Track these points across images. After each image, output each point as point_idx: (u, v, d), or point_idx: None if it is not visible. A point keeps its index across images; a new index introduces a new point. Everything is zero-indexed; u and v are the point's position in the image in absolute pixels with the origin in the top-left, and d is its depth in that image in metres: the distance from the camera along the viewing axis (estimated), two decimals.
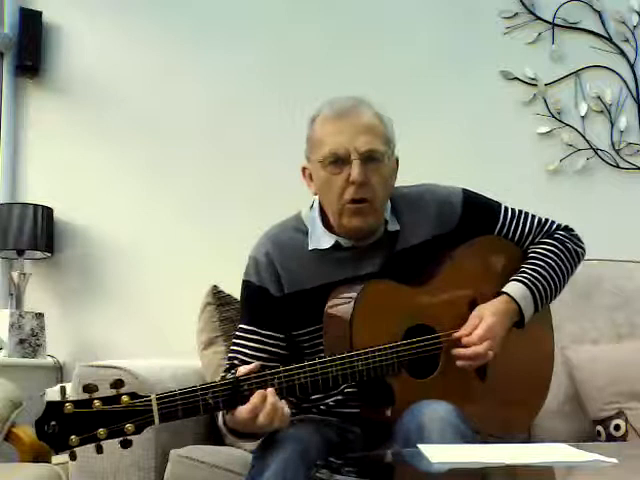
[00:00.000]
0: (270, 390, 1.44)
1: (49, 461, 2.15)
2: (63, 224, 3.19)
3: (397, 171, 1.75)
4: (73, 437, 1.32)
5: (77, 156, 3.21)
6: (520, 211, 1.82)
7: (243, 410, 1.42)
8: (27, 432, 2.14)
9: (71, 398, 1.35)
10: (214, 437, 2.14)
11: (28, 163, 3.27)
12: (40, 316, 3.04)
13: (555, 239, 1.80)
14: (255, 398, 1.42)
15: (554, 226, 1.83)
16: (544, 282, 1.73)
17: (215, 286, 2.33)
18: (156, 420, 1.38)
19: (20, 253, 3.08)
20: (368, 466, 1.38)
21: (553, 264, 1.75)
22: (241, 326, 1.74)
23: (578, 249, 1.82)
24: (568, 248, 1.79)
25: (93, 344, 3.07)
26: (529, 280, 1.71)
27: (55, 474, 1.96)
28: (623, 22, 3.01)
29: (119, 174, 3.19)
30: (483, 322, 1.63)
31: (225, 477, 1.82)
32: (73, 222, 3.20)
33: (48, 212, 3.11)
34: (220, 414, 1.54)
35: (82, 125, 3.24)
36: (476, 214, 1.77)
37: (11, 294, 3.12)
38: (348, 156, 1.62)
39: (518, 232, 1.80)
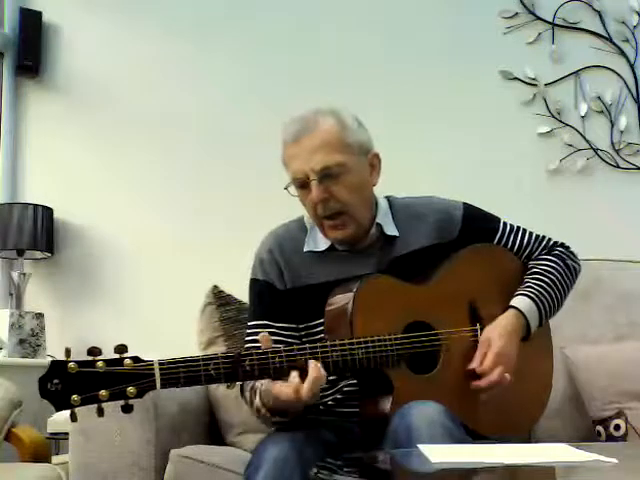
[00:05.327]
0: (314, 364, 1.45)
1: (49, 461, 2.15)
2: (63, 224, 3.19)
3: (378, 167, 1.76)
4: (75, 396, 1.33)
5: (77, 156, 3.21)
6: (518, 227, 1.86)
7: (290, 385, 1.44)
8: (27, 432, 2.14)
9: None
10: (214, 437, 2.14)
11: (28, 163, 3.27)
12: (40, 316, 3.04)
13: (555, 255, 1.83)
14: (312, 372, 1.44)
15: (551, 242, 1.86)
16: (548, 298, 1.75)
17: (215, 286, 2.33)
18: (158, 385, 1.39)
19: (20, 253, 3.08)
20: (367, 466, 1.38)
21: (556, 281, 1.78)
22: (253, 323, 1.75)
23: (576, 266, 1.85)
24: (568, 265, 1.82)
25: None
26: (536, 295, 1.74)
27: (55, 474, 1.95)
28: (623, 22, 3.01)
29: (119, 174, 3.20)
30: (492, 347, 1.64)
31: (225, 477, 1.82)
32: (73, 222, 3.20)
33: (48, 212, 3.11)
34: (257, 397, 1.59)
35: (82, 125, 3.24)
36: (475, 227, 1.80)
37: (11, 294, 3.12)
38: (307, 178, 1.66)
39: (516, 244, 1.83)
